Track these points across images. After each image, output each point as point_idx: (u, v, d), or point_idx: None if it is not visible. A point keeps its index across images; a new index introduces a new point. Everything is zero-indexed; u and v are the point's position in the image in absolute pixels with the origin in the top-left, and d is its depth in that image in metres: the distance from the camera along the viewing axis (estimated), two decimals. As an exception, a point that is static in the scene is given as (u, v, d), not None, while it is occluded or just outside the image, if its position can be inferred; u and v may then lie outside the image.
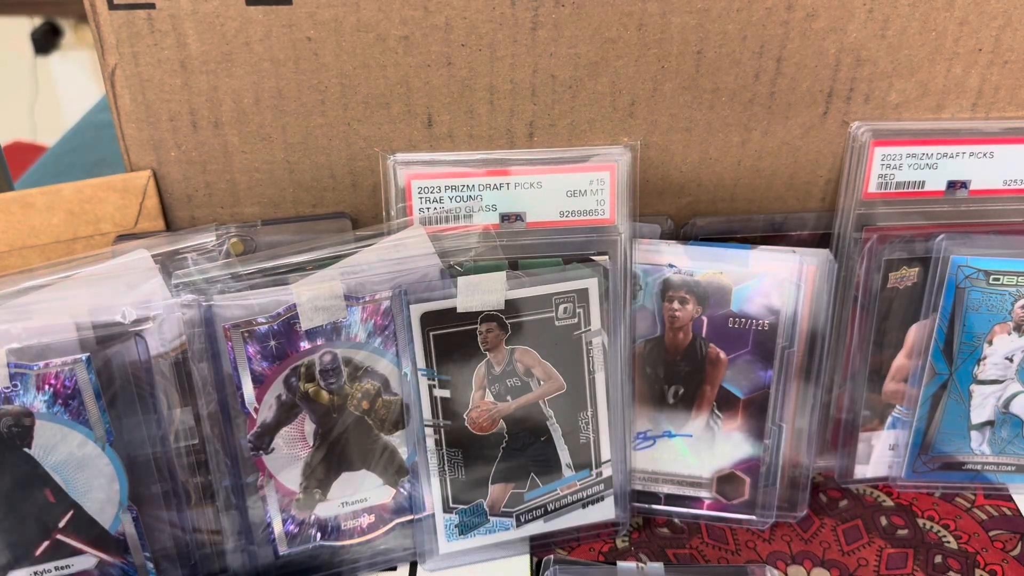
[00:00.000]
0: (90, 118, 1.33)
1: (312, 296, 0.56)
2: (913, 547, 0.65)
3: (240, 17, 0.57)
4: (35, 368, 0.53)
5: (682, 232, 0.67)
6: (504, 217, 0.61)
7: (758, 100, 0.62)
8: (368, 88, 0.60)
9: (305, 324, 0.57)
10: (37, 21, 2.66)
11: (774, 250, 0.62)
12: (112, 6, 0.56)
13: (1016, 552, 0.64)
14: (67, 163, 1.19)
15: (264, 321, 0.56)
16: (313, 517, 0.61)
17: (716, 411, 0.65)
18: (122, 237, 0.62)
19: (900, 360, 0.67)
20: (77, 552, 0.56)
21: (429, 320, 0.58)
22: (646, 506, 0.67)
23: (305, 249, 0.58)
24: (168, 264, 0.58)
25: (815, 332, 0.62)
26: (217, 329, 0.55)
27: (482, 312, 0.59)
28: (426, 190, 0.60)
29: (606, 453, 0.63)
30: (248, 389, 0.57)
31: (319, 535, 0.61)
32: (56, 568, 0.56)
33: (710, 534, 0.66)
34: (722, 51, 0.60)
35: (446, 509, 0.62)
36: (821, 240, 0.67)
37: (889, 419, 0.68)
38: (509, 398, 0.61)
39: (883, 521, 0.67)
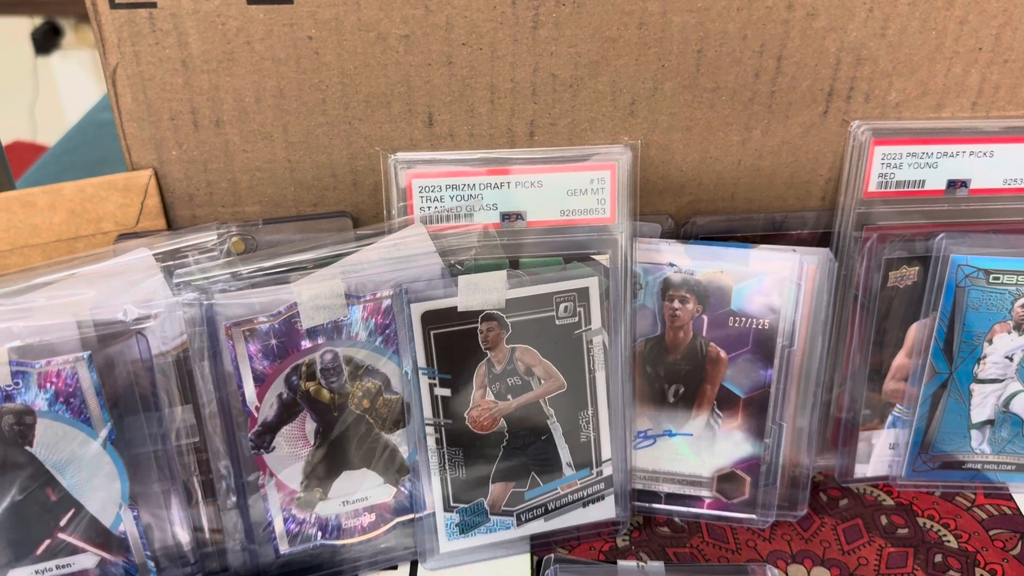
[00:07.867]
0: (91, 117, 1.33)
1: (313, 295, 0.56)
2: (913, 546, 0.65)
3: (241, 16, 0.57)
4: (37, 366, 0.53)
5: (682, 231, 0.67)
6: (505, 216, 0.61)
7: (758, 99, 0.62)
8: (369, 87, 0.60)
9: (306, 323, 0.57)
10: (37, 21, 2.66)
11: (774, 249, 0.62)
12: (113, 5, 0.56)
13: (1016, 551, 0.64)
14: (68, 162, 1.19)
15: (265, 320, 0.56)
16: (314, 516, 0.61)
17: (716, 410, 0.65)
18: (123, 236, 0.62)
19: (900, 359, 0.67)
20: (78, 550, 0.56)
21: (430, 319, 0.58)
22: (646, 505, 0.67)
23: (306, 248, 0.59)
24: (169, 263, 0.58)
25: (815, 331, 0.62)
26: (218, 328, 0.56)
27: (483, 311, 0.59)
28: (427, 189, 0.60)
29: (606, 452, 0.64)
30: (249, 388, 0.57)
31: (320, 534, 0.61)
32: (57, 567, 0.56)
33: (710, 533, 0.66)
34: (722, 50, 0.60)
35: (447, 508, 0.62)
36: (821, 239, 0.67)
37: (889, 418, 0.68)
38: (510, 397, 0.61)
39: (883, 520, 0.67)
